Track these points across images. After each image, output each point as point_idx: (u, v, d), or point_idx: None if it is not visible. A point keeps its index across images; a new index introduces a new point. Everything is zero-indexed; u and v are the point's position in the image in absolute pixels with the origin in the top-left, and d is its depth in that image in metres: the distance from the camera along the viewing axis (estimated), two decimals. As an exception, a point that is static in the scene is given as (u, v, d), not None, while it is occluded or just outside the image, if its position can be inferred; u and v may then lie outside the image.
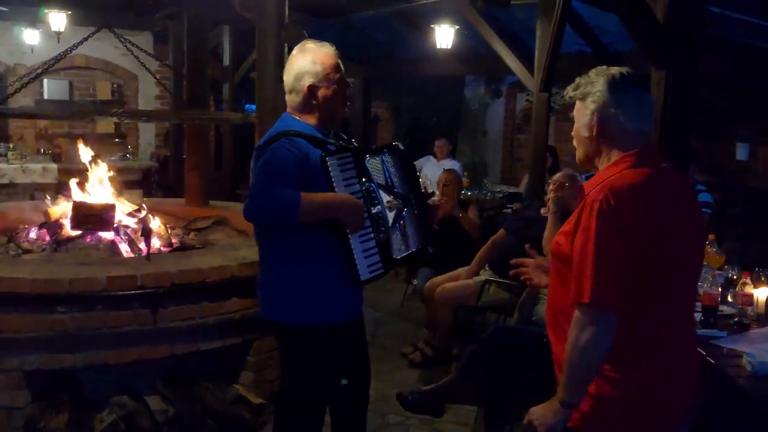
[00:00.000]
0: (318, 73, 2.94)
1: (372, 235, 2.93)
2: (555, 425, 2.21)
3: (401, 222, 3.07)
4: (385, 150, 3.13)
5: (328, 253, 2.89)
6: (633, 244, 2.12)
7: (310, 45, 3.00)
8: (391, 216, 3.02)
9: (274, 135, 2.89)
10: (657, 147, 2.45)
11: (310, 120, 2.99)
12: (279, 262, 3.00)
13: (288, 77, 3.00)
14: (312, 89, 2.95)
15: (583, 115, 2.34)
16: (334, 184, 2.83)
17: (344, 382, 3.12)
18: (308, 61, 2.95)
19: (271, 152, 2.83)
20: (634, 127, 2.29)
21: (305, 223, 2.79)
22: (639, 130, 2.30)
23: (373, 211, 2.94)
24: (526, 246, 2.88)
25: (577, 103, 2.36)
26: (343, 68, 3.01)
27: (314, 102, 2.97)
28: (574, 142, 2.42)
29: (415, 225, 3.16)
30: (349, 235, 2.85)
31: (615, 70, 2.31)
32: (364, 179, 2.95)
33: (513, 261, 2.83)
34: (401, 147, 3.24)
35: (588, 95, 2.31)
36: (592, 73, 2.34)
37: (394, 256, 3.02)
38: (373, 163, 3.02)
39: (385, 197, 3.02)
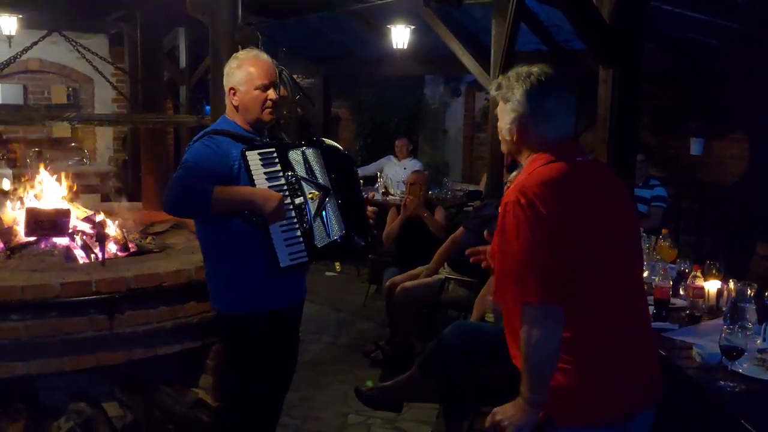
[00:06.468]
0: (239, 77, 3.14)
1: (297, 225, 3.10)
2: (524, 425, 2.17)
3: (323, 212, 3.21)
4: (303, 143, 3.28)
5: (250, 244, 3.04)
6: (551, 237, 2.13)
7: (244, 52, 3.24)
8: (313, 206, 3.17)
9: (200, 134, 3.10)
10: (577, 143, 2.43)
11: (239, 121, 3.17)
12: (210, 254, 3.21)
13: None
14: (231, 91, 3.17)
15: (503, 119, 2.36)
16: (254, 176, 3.01)
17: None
18: (234, 66, 3.17)
19: (189, 151, 3.06)
20: (552, 135, 2.30)
21: (222, 214, 2.99)
22: (558, 136, 2.30)
23: (297, 202, 3.12)
24: (485, 232, 2.88)
25: (500, 102, 2.37)
26: (274, 77, 3.18)
27: (234, 104, 3.18)
28: (500, 137, 2.43)
29: (336, 214, 3.27)
30: (270, 226, 3.00)
31: (534, 75, 2.29)
32: (289, 173, 3.13)
33: (468, 251, 2.82)
34: (326, 141, 3.40)
35: (508, 101, 2.32)
36: (513, 75, 2.33)
37: (317, 245, 3.16)
38: (294, 157, 3.18)
39: (308, 189, 3.18)
